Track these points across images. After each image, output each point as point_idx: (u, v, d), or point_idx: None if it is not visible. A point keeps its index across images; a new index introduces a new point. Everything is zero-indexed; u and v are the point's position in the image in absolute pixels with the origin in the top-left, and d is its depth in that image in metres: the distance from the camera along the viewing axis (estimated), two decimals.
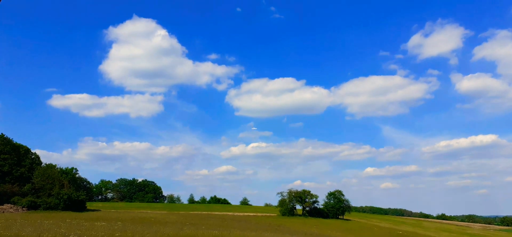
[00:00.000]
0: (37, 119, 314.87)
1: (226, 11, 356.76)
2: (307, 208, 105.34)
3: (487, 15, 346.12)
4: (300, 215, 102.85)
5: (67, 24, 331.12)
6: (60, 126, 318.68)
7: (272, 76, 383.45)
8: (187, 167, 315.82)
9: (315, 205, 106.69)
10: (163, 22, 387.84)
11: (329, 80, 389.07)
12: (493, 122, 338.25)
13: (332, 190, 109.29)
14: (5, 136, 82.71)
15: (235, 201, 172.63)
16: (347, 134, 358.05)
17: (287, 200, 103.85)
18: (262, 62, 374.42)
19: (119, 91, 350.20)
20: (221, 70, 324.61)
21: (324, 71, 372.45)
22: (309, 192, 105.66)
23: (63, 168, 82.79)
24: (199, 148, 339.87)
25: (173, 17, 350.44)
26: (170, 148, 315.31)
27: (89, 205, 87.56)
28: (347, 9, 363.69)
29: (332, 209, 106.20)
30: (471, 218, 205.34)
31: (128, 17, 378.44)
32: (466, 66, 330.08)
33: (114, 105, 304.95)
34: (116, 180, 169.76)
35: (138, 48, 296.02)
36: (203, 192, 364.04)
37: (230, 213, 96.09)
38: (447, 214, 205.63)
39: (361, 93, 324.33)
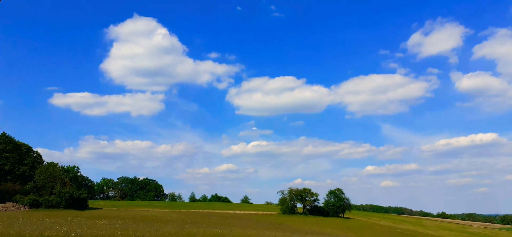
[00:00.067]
0: (39, 118, 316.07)
1: (226, 10, 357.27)
2: (308, 207, 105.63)
3: (487, 14, 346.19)
4: (300, 213, 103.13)
5: (68, 23, 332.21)
6: (62, 125, 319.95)
7: (273, 75, 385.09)
8: (188, 165, 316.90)
9: (316, 203, 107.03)
10: (164, 21, 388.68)
11: (329, 79, 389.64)
12: (493, 120, 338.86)
13: (332, 189, 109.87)
14: (7, 135, 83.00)
15: (236, 199, 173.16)
16: (347, 132, 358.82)
17: (288, 199, 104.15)
18: (263, 61, 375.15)
19: (120, 90, 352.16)
20: (221, 69, 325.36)
21: (324, 70, 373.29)
22: (310, 190, 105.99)
23: (65, 167, 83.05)
24: (200, 146, 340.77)
25: (173, 16, 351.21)
26: (171, 147, 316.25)
27: (90, 203, 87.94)
28: (347, 8, 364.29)
29: (333, 207, 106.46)
30: (471, 217, 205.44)
31: (129, 16, 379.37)
32: (466, 64, 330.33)
33: (115, 104, 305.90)
34: (118, 179, 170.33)
35: (139, 47, 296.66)
36: (204, 190, 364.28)
37: (231, 211, 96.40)
38: (447, 212, 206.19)
39: (361, 92, 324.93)
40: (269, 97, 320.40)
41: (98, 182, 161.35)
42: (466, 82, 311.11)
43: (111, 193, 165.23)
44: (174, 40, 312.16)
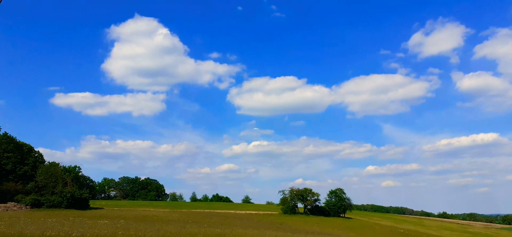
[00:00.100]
0: (40, 118, 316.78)
1: (227, 10, 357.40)
2: (309, 206, 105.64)
3: (488, 14, 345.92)
4: (301, 213, 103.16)
5: (69, 23, 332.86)
6: (63, 125, 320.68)
7: (274, 75, 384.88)
8: (189, 165, 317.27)
9: (317, 203, 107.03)
10: (165, 21, 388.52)
11: (330, 79, 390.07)
12: (494, 120, 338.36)
13: (333, 188, 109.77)
14: (8, 135, 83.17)
15: (237, 199, 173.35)
16: (348, 132, 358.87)
17: (289, 198, 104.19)
18: (264, 61, 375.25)
19: (121, 90, 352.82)
20: (222, 69, 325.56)
21: (325, 70, 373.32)
22: (311, 190, 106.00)
23: (66, 166, 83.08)
24: (201, 146, 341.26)
25: (174, 16, 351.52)
26: (172, 146, 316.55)
27: (92, 203, 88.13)
28: (348, 8, 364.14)
29: (334, 207, 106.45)
30: (472, 217, 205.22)
31: (130, 16, 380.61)
32: (467, 64, 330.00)
33: (116, 104, 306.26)
34: (119, 178, 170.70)
35: (140, 47, 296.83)
36: (205, 190, 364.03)
37: (232, 211, 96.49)
38: (449, 212, 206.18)
39: (362, 92, 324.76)
40: (270, 97, 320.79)
41: (100, 182, 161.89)
42: (467, 82, 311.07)
43: (112, 193, 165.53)
44: (175, 40, 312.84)
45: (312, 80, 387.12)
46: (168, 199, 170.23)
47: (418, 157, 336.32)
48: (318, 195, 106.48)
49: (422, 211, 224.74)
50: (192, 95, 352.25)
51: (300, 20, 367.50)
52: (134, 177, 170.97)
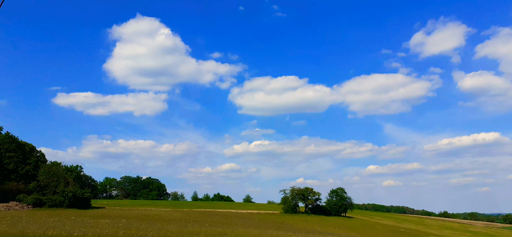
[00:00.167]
0: (42, 117, 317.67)
1: (228, 10, 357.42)
2: (310, 206, 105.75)
3: (490, 13, 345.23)
4: (302, 213, 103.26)
5: (71, 23, 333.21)
6: (65, 124, 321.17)
7: (275, 75, 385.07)
8: (190, 165, 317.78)
9: (318, 202, 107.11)
10: (167, 21, 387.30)
11: (332, 78, 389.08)
12: (496, 119, 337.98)
13: (334, 188, 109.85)
14: (10, 134, 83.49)
15: (238, 198, 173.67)
16: (350, 132, 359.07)
17: (290, 198, 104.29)
18: (265, 60, 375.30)
19: (123, 89, 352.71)
20: (224, 68, 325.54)
21: (327, 70, 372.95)
22: (312, 189, 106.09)
23: (68, 166, 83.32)
24: (203, 145, 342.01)
25: (176, 16, 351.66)
26: (173, 146, 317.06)
27: (93, 202, 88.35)
28: (349, 7, 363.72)
29: (335, 206, 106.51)
30: (473, 216, 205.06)
31: (132, 16, 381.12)
32: (469, 64, 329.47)
33: (118, 103, 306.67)
34: (121, 178, 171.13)
35: (142, 46, 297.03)
36: (206, 189, 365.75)
37: (233, 211, 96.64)
38: (450, 211, 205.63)
39: (363, 91, 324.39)
40: (272, 97, 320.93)
41: (101, 181, 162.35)
42: (468, 81, 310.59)
43: (114, 192, 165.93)
44: (177, 40, 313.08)
45: (313, 80, 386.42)
46: (170, 199, 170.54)
47: (419, 157, 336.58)
48: (319, 194, 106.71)
49: (423, 210, 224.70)
50: (194, 95, 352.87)
51: (302, 20, 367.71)
52: (135, 177, 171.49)
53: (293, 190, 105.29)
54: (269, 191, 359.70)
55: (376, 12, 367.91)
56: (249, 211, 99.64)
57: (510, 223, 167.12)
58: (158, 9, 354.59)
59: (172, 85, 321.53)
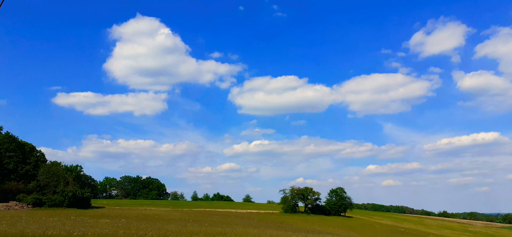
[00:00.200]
0: (42, 117, 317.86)
1: (228, 10, 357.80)
2: (309, 205, 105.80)
3: (489, 13, 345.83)
4: (302, 212, 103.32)
5: (71, 23, 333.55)
6: (65, 124, 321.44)
7: (275, 75, 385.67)
8: (190, 165, 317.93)
9: (317, 202, 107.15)
10: (167, 20, 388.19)
11: (331, 78, 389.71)
12: (495, 119, 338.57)
13: (334, 188, 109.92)
14: (10, 134, 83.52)
15: (238, 198, 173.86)
16: (349, 131, 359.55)
17: (290, 197, 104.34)
18: (265, 60, 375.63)
19: (123, 89, 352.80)
20: (224, 68, 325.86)
21: (326, 69, 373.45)
22: (311, 189, 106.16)
23: (68, 166, 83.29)
24: (203, 145, 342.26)
25: (176, 16, 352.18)
26: (173, 146, 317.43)
27: (93, 202, 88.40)
28: (349, 7, 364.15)
29: (334, 206, 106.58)
30: (473, 216, 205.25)
31: (132, 15, 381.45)
32: (468, 64, 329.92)
33: (118, 103, 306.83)
34: (120, 177, 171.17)
35: (142, 46, 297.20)
36: (206, 189, 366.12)
37: (233, 210, 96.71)
38: (449, 211, 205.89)
39: (363, 91, 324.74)
40: (271, 96, 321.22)
41: (101, 181, 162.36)
42: (468, 81, 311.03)
43: (114, 192, 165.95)
44: (177, 40, 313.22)
45: (313, 80, 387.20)
46: (170, 198, 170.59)
47: (418, 156, 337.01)
48: (318, 194, 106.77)
49: (422, 210, 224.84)
50: (194, 94, 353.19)
51: (301, 20, 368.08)
52: (135, 176, 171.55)
53: (292, 189, 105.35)
54: (268, 191, 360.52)
55: (376, 12, 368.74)
56: (248, 210, 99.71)
57: (510, 223, 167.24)
58: (158, 9, 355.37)
59: (172, 85, 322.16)
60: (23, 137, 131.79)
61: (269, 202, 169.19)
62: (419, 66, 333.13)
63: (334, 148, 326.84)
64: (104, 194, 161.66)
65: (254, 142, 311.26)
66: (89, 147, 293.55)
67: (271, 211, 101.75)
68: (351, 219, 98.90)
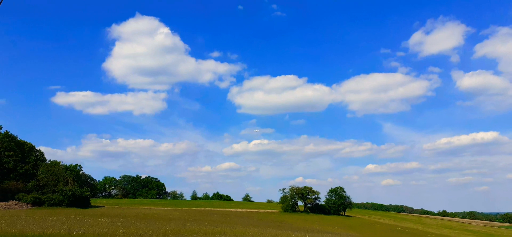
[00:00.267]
0: (42, 116, 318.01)
1: (228, 9, 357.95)
2: (309, 205, 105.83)
3: (489, 12, 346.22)
4: (301, 212, 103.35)
5: (70, 22, 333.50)
6: (64, 123, 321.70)
7: (274, 74, 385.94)
8: (190, 164, 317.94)
9: (317, 201, 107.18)
10: (166, 20, 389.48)
11: (331, 77, 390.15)
12: (494, 119, 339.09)
13: (333, 187, 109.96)
14: (9, 133, 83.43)
15: (237, 197, 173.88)
16: (349, 131, 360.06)
17: (289, 197, 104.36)
18: (264, 60, 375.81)
19: (122, 89, 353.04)
20: (223, 68, 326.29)
21: (326, 69, 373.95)
22: (311, 188, 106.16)
23: (67, 165, 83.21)
24: (202, 145, 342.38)
25: (175, 15, 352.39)
26: (173, 145, 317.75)
27: (93, 201, 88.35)
28: (349, 7, 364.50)
29: (334, 205, 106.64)
30: (472, 215, 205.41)
31: (131, 15, 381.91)
32: (467, 63, 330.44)
33: (117, 102, 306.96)
34: (120, 177, 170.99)
35: (141, 46, 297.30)
36: (206, 188, 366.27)
37: (232, 209, 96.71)
38: (448, 210, 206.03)
39: (363, 90, 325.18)
40: (271, 96, 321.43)
41: (101, 180, 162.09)
42: (467, 81, 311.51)
43: (113, 191, 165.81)
44: (176, 40, 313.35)
45: (312, 79, 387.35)
46: (169, 198, 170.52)
47: (418, 156, 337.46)
48: (318, 193, 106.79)
49: (422, 209, 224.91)
50: (193, 94, 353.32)
51: (301, 19, 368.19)
52: (135, 176, 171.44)
53: (292, 189, 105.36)
54: (268, 190, 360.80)
55: (375, 11, 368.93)
56: (248, 210, 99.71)
57: (509, 222, 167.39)
58: (157, 8, 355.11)
59: (172, 84, 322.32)
60: (22, 136, 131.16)
61: (268, 201, 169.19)
62: (419, 65, 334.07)
63: (334, 147, 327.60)
64: (103, 193, 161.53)
65: (254, 141, 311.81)
66: (88, 146, 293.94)
67: (270, 210, 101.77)
68: (350, 219, 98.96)
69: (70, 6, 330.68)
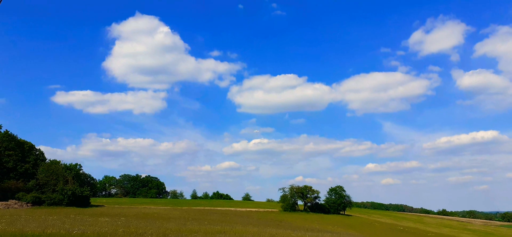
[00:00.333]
0: (41, 116, 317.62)
1: (228, 8, 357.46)
2: (309, 204, 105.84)
3: (489, 11, 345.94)
4: (301, 211, 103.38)
5: (70, 22, 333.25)
6: (64, 122, 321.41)
7: (274, 73, 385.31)
8: (189, 163, 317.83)
9: (317, 200, 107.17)
10: (166, 19, 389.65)
11: (331, 76, 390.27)
12: (494, 118, 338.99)
13: (333, 186, 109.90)
14: (9, 133, 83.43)
15: (237, 196, 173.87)
16: (349, 130, 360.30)
17: (289, 196, 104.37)
18: (264, 59, 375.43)
19: (122, 88, 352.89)
20: (223, 67, 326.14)
21: (326, 68, 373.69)
22: (311, 187, 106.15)
23: (67, 164, 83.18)
24: (202, 144, 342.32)
25: (175, 14, 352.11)
26: (173, 144, 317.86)
27: (93, 200, 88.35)
28: (348, 6, 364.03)
29: (333, 204, 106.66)
30: (471, 214, 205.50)
31: (131, 14, 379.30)
32: (467, 62, 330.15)
33: (117, 102, 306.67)
34: (120, 176, 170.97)
35: (141, 45, 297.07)
36: (205, 187, 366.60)
37: (232, 209, 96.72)
38: (448, 210, 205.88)
39: (363, 89, 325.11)
40: (271, 95, 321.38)
41: (101, 179, 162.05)
42: (467, 80, 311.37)
43: (113, 191, 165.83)
44: (176, 39, 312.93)
45: (312, 78, 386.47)
46: (169, 197, 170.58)
47: (418, 155, 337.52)
48: (318, 192, 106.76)
49: (421, 208, 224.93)
50: (193, 93, 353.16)
51: (301, 18, 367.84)
52: (135, 175, 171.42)
53: (292, 188, 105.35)
54: (268, 189, 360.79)
55: (375, 10, 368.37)
56: (248, 209, 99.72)
57: (508, 221, 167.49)
58: (157, 8, 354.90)
59: (171, 83, 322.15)
60: (22, 135, 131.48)
61: (268, 200, 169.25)
62: (418, 65, 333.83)
63: (334, 147, 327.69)
64: (103, 193, 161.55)
65: (254, 141, 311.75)
66: (88, 145, 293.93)
67: (270, 210, 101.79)
68: (350, 218, 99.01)
69: (70, 6, 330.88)
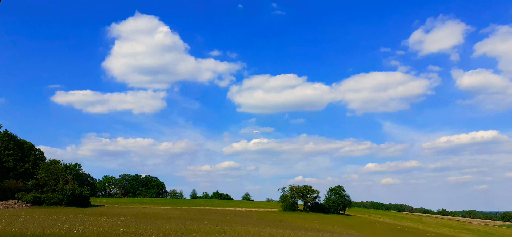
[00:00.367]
0: (41, 115, 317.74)
1: (227, 8, 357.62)
2: (309, 204, 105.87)
3: (488, 11, 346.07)
4: (301, 211, 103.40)
5: (70, 21, 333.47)
6: (64, 122, 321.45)
7: (274, 73, 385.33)
8: (189, 163, 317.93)
9: (316, 200, 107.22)
10: (166, 19, 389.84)
11: (331, 76, 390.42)
12: (494, 117, 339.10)
13: (333, 186, 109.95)
14: (9, 132, 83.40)
15: (237, 196, 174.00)
16: (348, 129, 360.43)
17: (289, 196, 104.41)
18: (264, 58, 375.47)
19: (122, 87, 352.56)
20: (223, 66, 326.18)
21: (326, 68, 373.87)
22: (311, 187, 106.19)
23: (67, 164, 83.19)
24: (202, 143, 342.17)
25: (175, 14, 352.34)
26: (172, 144, 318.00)
27: (92, 200, 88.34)
28: (348, 5, 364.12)
29: (333, 204, 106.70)
30: (471, 214, 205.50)
31: (131, 14, 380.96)
32: (467, 62, 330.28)
33: (117, 101, 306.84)
34: (120, 176, 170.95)
35: (141, 44, 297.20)
36: (205, 187, 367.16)
37: (232, 208, 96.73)
38: (448, 209, 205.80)
39: (362, 89, 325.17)
40: (270, 95, 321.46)
41: (100, 179, 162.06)
42: (467, 79, 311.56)
43: (113, 190, 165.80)
44: (176, 38, 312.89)
45: (312, 78, 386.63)
46: (169, 197, 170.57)
47: (417, 154, 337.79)
48: (318, 192, 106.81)
49: (421, 208, 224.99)
50: (193, 93, 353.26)
51: (301, 18, 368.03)
52: (134, 175, 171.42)
53: (292, 188, 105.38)
54: (268, 189, 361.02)
55: (375, 10, 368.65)
56: (248, 209, 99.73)
57: (508, 221, 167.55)
58: (157, 7, 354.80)
59: (171, 83, 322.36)
60: (22, 135, 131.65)
61: (268, 200, 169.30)
62: (418, 64, 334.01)
63: (333, 146, 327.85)
64: (103, 193, 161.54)
65: (253, 140, 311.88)
66: (88, 145, 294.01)
67: (270, 209, 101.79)
68: (350, 217, 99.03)
69: (70, 6, 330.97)
